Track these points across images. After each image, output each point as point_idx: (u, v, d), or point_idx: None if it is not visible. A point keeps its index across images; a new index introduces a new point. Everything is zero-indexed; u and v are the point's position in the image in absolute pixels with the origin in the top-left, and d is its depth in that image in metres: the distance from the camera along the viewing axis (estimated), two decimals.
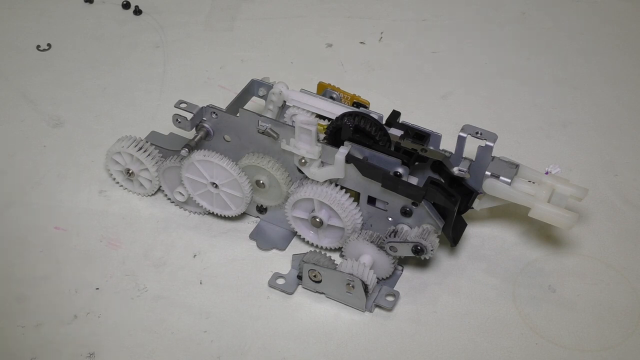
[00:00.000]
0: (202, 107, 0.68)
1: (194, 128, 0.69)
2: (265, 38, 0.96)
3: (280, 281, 0.68)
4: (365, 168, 0.64)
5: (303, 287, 0.68)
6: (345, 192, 0.67)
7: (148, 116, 0.84)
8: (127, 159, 0.73)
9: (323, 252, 0.68)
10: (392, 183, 0.64)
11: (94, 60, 0.91)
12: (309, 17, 0.99)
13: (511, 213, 0.74)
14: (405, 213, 0.66)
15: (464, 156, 0.68)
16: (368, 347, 0.64)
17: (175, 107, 0.68)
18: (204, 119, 0.68)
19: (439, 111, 0.87)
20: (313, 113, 0.71)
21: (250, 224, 0.73)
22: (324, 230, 0.69)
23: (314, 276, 0.66)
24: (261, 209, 0.73)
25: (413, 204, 0.65)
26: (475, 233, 0.73)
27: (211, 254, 0.71)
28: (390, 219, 0.67)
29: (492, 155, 0.67)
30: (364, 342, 0.65)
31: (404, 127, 0.69)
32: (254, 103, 0.77)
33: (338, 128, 0.66)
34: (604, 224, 0.75)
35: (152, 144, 0.73)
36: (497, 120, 0.85)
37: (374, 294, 0.67)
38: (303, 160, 0.66)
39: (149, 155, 0.72)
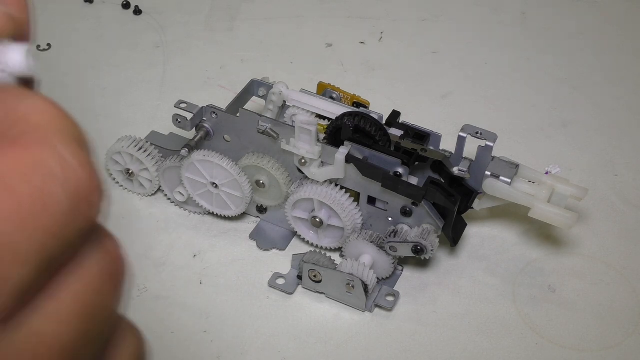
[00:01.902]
0: (202, 107, 0.68)
1: (194, 128, 0.69)
2: (265, 38, 0.96)
3: (280, 281, 0.68)
4: (365, 168, 0.64)
5: (303, 287, 0.68)
6: (345, 192, 0.67)
7: (148, 116, 0.84)
8: (127, 159, 0.73)
9: (323, 252, 0.68)
10: (392, 183, 0.64)
11: (94, 60, 0.91)
12: (309, 17, 0.99)
13: (511, 213, 0.74)
14: (405, 213, 0.66)
15: (464, 156, 0.68)
16: (368, 347, 0.64)
17: (175, 107, 0.68)
18: (204, 119, 0.68)
19: (439, 111, 0.86)
20: (313, 113, 0.71)
21: (250, 224, 0.73)
22: (324, 230, 0.69)
23: (314, 276, 0.66)
24: (261, 209, 0.73)
25: (413, 204, 0.65)
26: (475, 233, 0.73)
27: (211, 254, 0.71)
28: (390, 219, 0.67)
29: (492, 155, 0.67)
30: (364, 342, 0.65)
31: (404, 127, 0.69)
32: (254, 103, 0.77)
33: (338, 128, 0.66)
34: (604, 224, 0.75)
35: (152, 144, 0.73)
36: (497, 120, 0.85)
37: (374, 294, 0.67)
38: (303, 160, 0.66)
39: (149, 155, 0.72)
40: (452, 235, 0.67)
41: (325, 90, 0.74)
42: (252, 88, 0.73)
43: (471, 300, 0.68)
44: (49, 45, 0.93)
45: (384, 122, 0.69)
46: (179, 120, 0.68)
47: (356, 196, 0.67)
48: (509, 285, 0.69)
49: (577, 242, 0.73)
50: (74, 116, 0.27)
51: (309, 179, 0.67)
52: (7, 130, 0.25)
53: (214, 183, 0.70)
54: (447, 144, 0.70)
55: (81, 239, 0.26)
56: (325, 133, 0.67)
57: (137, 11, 0.98)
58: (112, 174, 0.75)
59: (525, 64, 0.94)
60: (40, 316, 0.24)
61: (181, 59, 0.92)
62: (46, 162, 0.24)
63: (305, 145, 0.65)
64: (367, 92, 0.80)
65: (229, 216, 0.72)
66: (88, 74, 0.89)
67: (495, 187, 0.66)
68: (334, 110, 0.69)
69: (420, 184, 0.65)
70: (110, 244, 0.28)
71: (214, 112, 0.68)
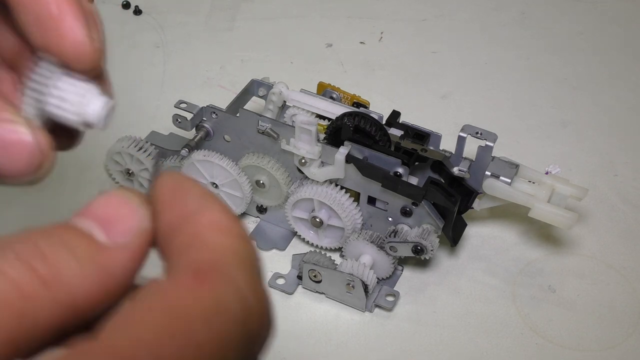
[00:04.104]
0: (202, 107, 0.68)
1: (194, 128, 0.69)
2: (265, 38, 0.96)
3: (280, 281, 0.68)
4: (365, 168, 0.64)
5: (303, 287, 0.68)
6: (345, 192, 0.67)
7: (148, 116, 0.84)
8: (127, 159, 0.73)
9: (323, 252, 0.68)
10: (392, 183, 0.64)
11: None
12: (309, 17, 0.99)
13: (511, 213, 0.74)
14: (405, 213, 0.66)
15: (464, 156, 0.68)
16: (368, 347, 0.64)
17: (175, 107, 0.68)
18: (204, 119, 0.68)
19: (439, 111, 0.86)
20: (313, 113, 0.71)
21: (250, 224, 0.73)
22: (324, 230, 0.69)
23: (314, 276, 0.66)
24: (261, 209, 0.73)
25: (413, 204, 0.65)
26: (475, 233, 0.73)
27: None
28: (390, 219, 0.67)
29: (492, 155, 0.67)
30: (364, 342, 0.65)
31: (404, 127, 0.69)
32: (254, 103, 0.77)
33: (338, 128, 0.66)
34: (604, 224, 0.75)
35: (152, 144, 0.73)
36: (497, 120, 0.85)
37: (374, 294, 0.67)
38: (303, 160, 0.66)
39: (149, 155, 0.72)
40: (452, 235, 0.67)
41: (325, 90, 0.74)
42: (252, 88, 0.73)
43: (471, 300, 0.68)
44: None
45: (384, 122, 0.69)
46: (179, 120, 0.68)
47: (356, 196, 0.67)
48: (509, 285, 0.69)
49: (577, 242, 0.73)
50: (246, 230, 0.26)
51: (309, 179, 0.67)
52: (186, 247, 0.25)
53: (214, 183, 0.70)
54: (447, 144, 0.70)
55: None
56: (325, 133, 0.67)
57: (137, 11, 0.98)
58: (112, 174, 0.75)
59: (525, 64, 0.94)
60: None
61: (181, 59, 0.92)
62: (229, 303, 0.24)
63: (305, 145, 0.65)
64: (367, 92, 0.79)
65: None
66: None
67: (495, 187, 0.66)
68: (334, 110, 0.69)
69: (420, 184, 0.65)
70: None
71: (214, 112, 0.68)
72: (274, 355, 0.63)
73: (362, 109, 0.70)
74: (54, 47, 0.29)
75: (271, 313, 0.26)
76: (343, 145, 0.65)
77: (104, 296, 0.24)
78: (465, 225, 0.69)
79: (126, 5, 0.98)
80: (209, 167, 0.69)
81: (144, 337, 0.22)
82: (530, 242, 0.73)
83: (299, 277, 0.67)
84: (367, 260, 0.66)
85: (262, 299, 0.25)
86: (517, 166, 0.67)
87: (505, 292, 0.68)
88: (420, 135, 0.68)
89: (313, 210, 0.68)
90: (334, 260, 0.67)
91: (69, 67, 0.29)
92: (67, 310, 0.24)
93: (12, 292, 0.23)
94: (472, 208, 0.68)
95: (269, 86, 0.72)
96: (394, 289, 0.68)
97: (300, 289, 0.68)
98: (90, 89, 0.30)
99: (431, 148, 0.67)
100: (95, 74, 0.30)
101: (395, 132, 0.68)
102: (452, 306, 0.67)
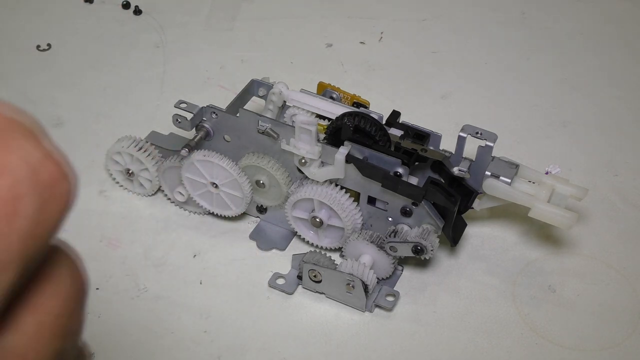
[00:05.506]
0: (202, 107, 0.68)
1: (194, 128, 0.69)
2: (265, 38, 0.96)
3: (280, 281, 0.68)
4: (365, 168, 0.64)
5: (303, 287, 0.68)
6: (345, 192, 0.67)
7: (148, 116, 0.84)
8: (127, 159, 0.73)
9: (323, 252, 0.68)
10: (392, 183, 0.64)
11: (94, 60, 0.91)
12: (309, 17, 0.99)
13: (511, 213, 0.74)
14: (405, 213, 0.66)
15: (464, 156, 0.68)
16: (368, 347, 0.64)
17: (175, 107, 0.68)
18: (204, 119, 0.68)
19: (439, 111, 0.86)
20: (313, 113, 0.71)
21: (250, 224, 0.73)
22: (324, 230, 0.69)
23: (314, 276, 0.66)
24: (261, 209, 0.73)
25: (413, 204, 0.65)
26: (475, 233, 0.73)
27: (211, 254, 0.71)
28: (390, 219, 0.67)
29: (492, 155, 0.67)
30: (364, 342, 0.65)
31: (404, 127, 0.69)
32: (254, 103, 0.77)
33: (338, 128, 0.66)
34: (604, 224, 0.75)
35: (152, 144, 0.73)
36: (497, 120, 0.85)
37: (374, 294, 0.67)
38: (303, 160, 0.66)
39: (149, 155, 0.72)
40: (452, 235, 0.67)
41: (325, 90, 0.74)
42: (252, 88, 0.73)
43: (471, 300, 0.68)
44: (49, 45, 0.93)
45: (384, 122, 0.69)
46: (179, 120, 0.68)
47: (356, 196, 0.67)
48: (509, 285, 0.69)
49: (577, 242, 0.73)
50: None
51: (309, 179, 0.67)
52: None
53: (214, 183, 0.70)
54: (447, 144, 0.70)
55: (53, 235, 0.24)
56: (325, 133, 0.67)
57: (137, 11, 0.98)
58: (112, 174, 0.75)
59: (525, 64, 0.94)
60: (18, 332, 0.23)
61: (181, 59, 0.92)
62: (10, 164, 0.22)
63: (305, 145, 0.65)
64: (367, 92, 0.79)
65: (229, 216, 0.72)
66: (88, 74, 0.89)
67: (495, 187, 0.66)
68: (334, 110, 0.69)
69: (420, 184, 0.65)
70: (78, 263, 0.27)
71: (214, 112, 0.68)
72: (274, 355, 0.63)
73: (362, 109, 0.70)
74: None
75: (69, 169, 0.24)
76: (343, 145, 0.65)
77: None
78: (465, 225, 0.69)
79: (126, 5, 0.98)
80: (209, 167, 0.69)
81: None
82: (530, 242, 0.73)
83: (299, 277, 0.67)
84: (367, 260, 0.66)
85: (52, 157, 0.23)
86: (517, 166, 0.67)
87: (505, 292, 0.69)
88: (420, 135, 0.68)
89: (313, 210, 0.68)
90: (334, 260, 0.67)
91: None
92: None
93: None
94: (472, 208, 0.68)
95: (269, 86, 0.72)
96: (394, 289, 0.68)
97: (300, 289, 0.68)
98: None
99: (431, 148, 0.67)
100: None
101: (395, 132, 0.68)
102: (452, 306, 0.67)
